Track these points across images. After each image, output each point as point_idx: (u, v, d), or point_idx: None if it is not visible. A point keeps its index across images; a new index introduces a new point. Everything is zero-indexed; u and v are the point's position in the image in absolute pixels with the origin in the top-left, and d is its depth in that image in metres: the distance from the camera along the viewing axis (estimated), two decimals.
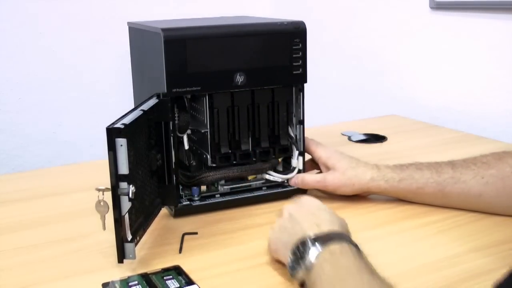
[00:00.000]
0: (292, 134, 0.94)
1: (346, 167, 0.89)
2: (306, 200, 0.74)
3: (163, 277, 0.69)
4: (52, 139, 1.70)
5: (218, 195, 0.91)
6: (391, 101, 1.57)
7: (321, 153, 0.92)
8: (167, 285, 0.67)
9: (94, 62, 1.72)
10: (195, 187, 0.88)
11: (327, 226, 0.65)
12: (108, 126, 0.67)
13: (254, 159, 0.91)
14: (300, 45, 0.89)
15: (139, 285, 0.67)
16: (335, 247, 0.60)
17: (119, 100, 1.56)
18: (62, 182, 1.06)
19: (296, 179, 0.93)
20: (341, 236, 0.63)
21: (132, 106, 0.85)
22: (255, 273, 0.71)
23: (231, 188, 0.91)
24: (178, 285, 0.67)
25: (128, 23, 1.05)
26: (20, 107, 1.65)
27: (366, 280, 0.56)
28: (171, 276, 0.69)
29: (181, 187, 0.89)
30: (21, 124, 1.66)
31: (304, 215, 0.69)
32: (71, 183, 1.05)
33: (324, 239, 0.62)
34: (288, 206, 0.74)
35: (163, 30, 0.82)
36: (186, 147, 0.89)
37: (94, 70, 1.72)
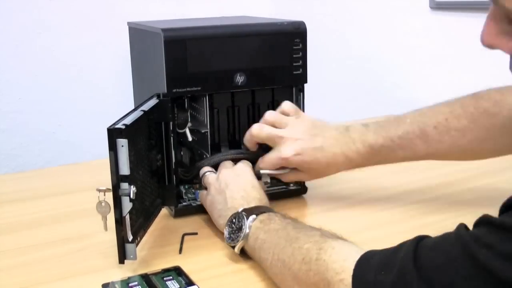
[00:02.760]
0: None
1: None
2: (242, 172, 0.81)
3: (163, 277, 0.69)
4: (52, 139, 1.70)
5: None
6: (391, 101, 1.57)
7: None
8: (167, 285, 0.67)
9: (94, 62, 1.72)
10: (198, 191, 0.87)
11: (255, 202, 0.76)
12: (109, 126, 0.67)
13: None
14: (300, 45, 0.89)
15: (139, 286, 0.67)
16: (263, 216, 0.71)
17: (119, 100, 1.56)
18: (62, 182, 1.06)
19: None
20: (267, 209, 0.74)
21: (132, 106, 0.85)
22: (255, 274, 0.71)
23: None
24: (178, 286, 0.67)
25: (128, 23, 1.05)
26: (20, 107, 1.65)
27: (293, 236, 0.64)
28: (171, 277, 0.69)
29: (183, 191, 0.88)
30: (21, 124, 1.66)
31: (238, 191, 0.78)
32: (71, 183, 1.05)
33: (254, 211, 0.72)
34: (226, 172, 0.81)
35: (163, 30, 0.82)
36: (190, 138, 0.88)
37: (94, 70, 1.72)
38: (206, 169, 0.86)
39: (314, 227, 0.66)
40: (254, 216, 0.71)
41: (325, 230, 0.64)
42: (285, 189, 0.93)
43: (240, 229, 0.71)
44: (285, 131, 0.84)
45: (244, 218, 0.71)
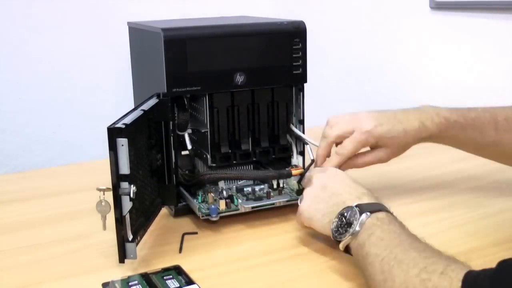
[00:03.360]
0: (299, 133, 0.93)
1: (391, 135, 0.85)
2: (336, 171, 0.78)
3: (163, 276, 0.69)
4: (52, 139, 1.70)
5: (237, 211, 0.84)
6: (391, 101, 1.57)
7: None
8: (167, 284, 0.67)
9: (94, 62, 1.72)
10: (214, 206, 0.81)
11: (367, 198, 0.70)
12: (109, 126, 0.67)
13: (254, 158, 0.91)
14: (300, 45, 0.89)
15: (139, 285, 0.67)
16: (382, 215, 0.66)
17: (119, 100, 1.56)
18: (62, 182, 1.06)
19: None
20: (384, 207, 0.68)
21: (132, 106, 0.85)
22: (255, 273, 0.71)
23: (252, 207, 0.83)
24: (178, 285, 0.67)
25: (128, 23, 1.05)
26: (20, 107, 1.65)
27: (420, 246, 0.60)
28: (171, 276, 0.69)
29: (197, 206, 0.83)
30: (21, 124, 1.66)
31: (342, 187, 0.74)
32: (71, 183, 1.05)
33: (369, 208, 0.66)
34: (319, 176, 0.77)
35: (163, 30, 0.82)
36: (189, 146, 0.88)
37: (94, 70, 1.72)
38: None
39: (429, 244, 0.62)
40: (368, 213, 0.65)
41: None
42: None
43: (350, 224, 0.66)
44: (356, 113, 0.87)
45: (357, 214, 0.66)
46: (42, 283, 0.70)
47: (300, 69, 0.90)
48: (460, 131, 0.85)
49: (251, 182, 0.92)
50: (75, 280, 0.70)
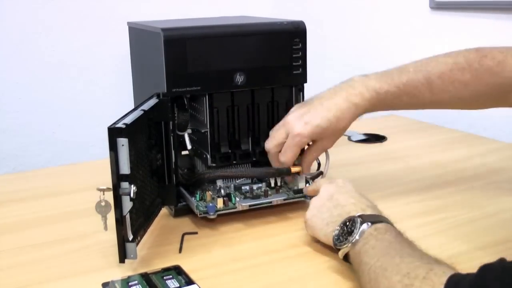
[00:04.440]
0: None
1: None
2: (343, 183, 0.78)
3: (163, 276, 0.69)
4: (52, 139, 1.70)
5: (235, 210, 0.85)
6: None
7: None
8: (167, 284, 0.67)
9: (94, 62, 1.72)
10: (211, 204, 0.81)
11: (370, 210, 0.70)
12: (110, 126, 0.67)
13: (254, 158, 0.91)
14: (300, 45, 0.89)
15: (139, 285, 0.67)
16: (380, 225, 0.66)
17: (119, 100, 1.56)
18: (62, 182, 1.06)
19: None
20: (386, 219, 0.68)
21: (132, 106, 0.85)
22: (255, 273, 0.71)
23: (250, 205, 0.84)
24: (178, 285, 0.67)
25: (128, 23, 1.05)
26: (20, 107, 1.65)
27: (406, 252, 0.60)
28: (171, 276, 0.69)
29: (195, 204, 0.83)
30: (21, 124, 1.66)
31: (347, 198, 0.74)
32: (71, 183, 1.05)
33: (371, 218, 0.67)
34: (327, 187, 0.78)
35: (163, 30, 0.82)
36: (189, 146, 0.88)
37: (94, 70, 1.72)
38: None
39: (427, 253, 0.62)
40: (369, 223, 0.66)
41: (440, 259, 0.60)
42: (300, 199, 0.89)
43: (350, 233, 0.67)
44: (286, 118, 0.87)
45: (357, 223, 0.67)
46: (42, 283, 0.70)
47: (300, 69, 0.90)
48: (393, 99, 0.85)
49: (249, 180, 0.92)
50: (75, 280, 0.70)
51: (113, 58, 1.70)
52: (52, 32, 1.66)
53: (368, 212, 0.70)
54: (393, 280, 0.56)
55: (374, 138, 1.27)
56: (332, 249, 0.72)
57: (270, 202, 0.85)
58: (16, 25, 1.62)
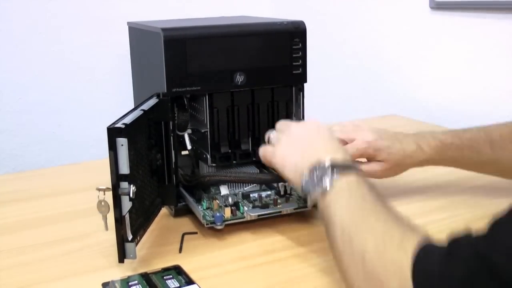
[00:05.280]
0: None
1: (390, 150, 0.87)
2: (316, 125, 0.75)
3: (163, 276, 0.69)
4: (52, 139, 1.70)
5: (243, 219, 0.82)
6: (391, 101, 1.57)
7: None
8: (167, 284, 0.67)
9: (94, 62, 1.72)
10: (219, 214, 0.79)
11: (341, 154, 0.67)
12: (109, 126, 0.67)
13: (254, 158, 0.91)
14: (300, 45, 0.89)
15: (139, 285, 0.67)
16: (352, 178, 0.63)
17: (119, 100, 1.56)
18: (62, 182, 1.07)
19: None
20: (356, 168, 0.65)
21: (132, 106, 0.85)
22: (255, 273, 0.71)
23: (258, 215, 0.81)
24: (178, 285, 0.67)
25: (128, 23, 1.05)
26: (20, 107, 1.65)
27: (380, 210, 0.60)
28: (171, 276, 0.69)
29: (201, 213, 0.80)
30: (21, 124, 1.66)
31: (317, 139, 0.72)
32: (71, 183, 1.05)
33: (341, 167, 0.64)
34: (299, 125, 0.76)
35: (163, 30, 0.82)
36: (189, 147, 0.88)
37: (94, 70, 1.72)
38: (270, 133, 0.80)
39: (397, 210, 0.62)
40: (338, 173, 0.63)
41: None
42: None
43: (320, 181, 0.64)
44: (357, 123, 0.89)
45: (328, 170, 0.64)
46: (42, 283, 0.70)
47: (300, 69, 0.90)
48: (456, 152, 0.87)
49: (257, 187, 0.90)
50: (75, 280, 0.70)
51: (113, 58, 1.70)
52: (52, 32, 1.66)
53: (339, 155, 0.67)
54: (368, 244, 0.56)
55: None
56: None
57: (280, 212, 0.83)
58: (16, 25, 1.62)
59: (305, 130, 0.74)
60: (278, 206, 0.84)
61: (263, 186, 0.90)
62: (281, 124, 0.79)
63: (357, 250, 0.56)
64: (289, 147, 0.73)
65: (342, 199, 0.62)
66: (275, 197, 0.85)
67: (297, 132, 0.75)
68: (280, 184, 0.87)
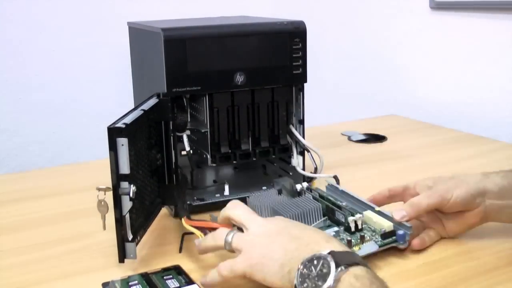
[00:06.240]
0: (299, 137, 0.93)
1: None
2: (280, 218, 0.67)
3: (163, 276, 0.69)
4: (52, 139, 1.70)
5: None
6: (391, 101, 1.57)
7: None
8: (167, 284, 0.67)
9: (94, 62, 1.72)
10: None
11: (337, 243, 0.59)
12: (109, 125, 0.67)
13: (254, 159, 0.91)
14: (300, 45, 0.89)
15: (139, 285, 0.67)
16: (361, 272, 0.54)
17: (119, 100, 1.56)
18: (62, 182, 1.06)
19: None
20: (360, 260, 0.56)
21: (132, 106, 0.85)
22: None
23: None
24: (178, 285, 0.67)
25: (128, 23, 1.05)
26: (20, 107, 1.65)
27: None
28: (171, 276, 0.69)
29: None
30: (21, 124, 1.66)
31: (300, 230, 0.62)
32: (71, 183, 1.05)
33: (346, 259, 0.55)
34: (262, 220, 0.65)
35: (163, 30, 0.82)
36: (187, 148, 0.88)
37: (94, 70, 1.72)
38: (224, 232, 0.66)
39: None
40: (344, 266, 0.53)
41: None
42: None
43: (323, 277, 0.53)
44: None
45: (331, 265, 0.53)
46: (42, 283, 0.70)
47: (300, 69, 0.90)
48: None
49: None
50: (75, 280, 0.70)
51: (113, 58, 1.70)
52: (52, 32, 1.66)
53: (335, 244, 0.58)
54: None
55: (374, 138, 1.27)
56: None
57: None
58: (16, 25, 1.62)
59: (273, 223, 0.65)
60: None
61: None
62: (239, 222, 0.67)
63: None
64: (265, 238, 0.62)
65: None
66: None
67: (267, 227, 0.64)
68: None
